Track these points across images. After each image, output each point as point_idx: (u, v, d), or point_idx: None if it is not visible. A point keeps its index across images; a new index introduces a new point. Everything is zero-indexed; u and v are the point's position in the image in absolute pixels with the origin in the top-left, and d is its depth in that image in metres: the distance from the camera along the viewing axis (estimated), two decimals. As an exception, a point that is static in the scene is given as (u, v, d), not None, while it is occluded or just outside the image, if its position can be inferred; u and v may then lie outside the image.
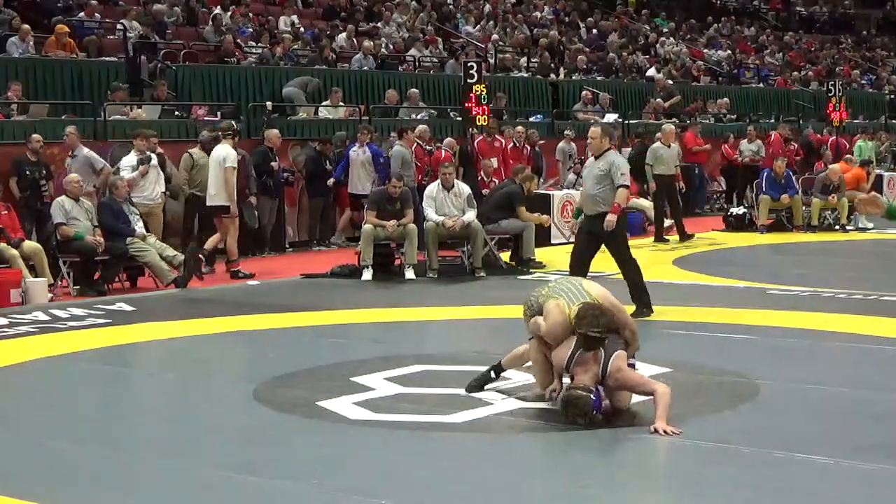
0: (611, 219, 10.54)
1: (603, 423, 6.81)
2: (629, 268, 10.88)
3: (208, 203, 14.46)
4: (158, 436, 7.14)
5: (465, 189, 14.64)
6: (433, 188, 14.48)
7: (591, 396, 6.75)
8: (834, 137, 25.46)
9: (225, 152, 14.17)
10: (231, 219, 14.30)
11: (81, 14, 20.03)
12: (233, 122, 15.59)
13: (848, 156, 22.57)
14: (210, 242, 14.40)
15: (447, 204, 14.25)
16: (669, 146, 18.37)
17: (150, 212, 14.37)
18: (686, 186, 19.44)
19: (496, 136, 19.11)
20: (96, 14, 20.15)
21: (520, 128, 19.71)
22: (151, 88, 18.85)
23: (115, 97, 16.99)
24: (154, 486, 5.98)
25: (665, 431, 6.57)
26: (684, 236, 18.06)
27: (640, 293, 10.73)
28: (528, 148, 19.46)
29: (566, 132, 21.36)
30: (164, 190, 14.85)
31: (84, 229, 13.16)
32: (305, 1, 25.70)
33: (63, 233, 13.09)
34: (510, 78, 24.50)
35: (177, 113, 18.01)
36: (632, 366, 7.13)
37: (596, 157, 10.78)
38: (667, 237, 18.09)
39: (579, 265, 10.73)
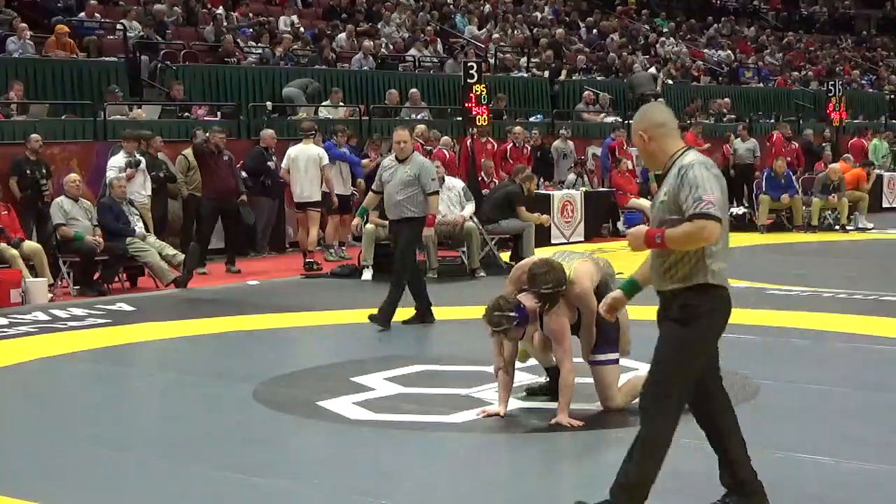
0: (428, 233, 10.43)
1: (602, 423, 6.81)
2: (397, 277, 10.49)
3: (300, 200, 15.20)
4: (158, 436, 7.14)
5: (457, 183, 14.70)
6: None
7: (520, 306, 6.89)
8: (856, 138, 25.61)
9: (318, 151, 15.22)
10: (318, 212, 15.23)
11: (81, 14, 20.03)
12: (314, 123, 16.25)
13: (847, 155, 22.55)
14: (311, 242, 15.19)
15: (441, 200, 14.26)
16: None
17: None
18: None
19: (488, 137, 19.08)
20: (96, 14, 20.15)
21: (518, 128, 19.69)
22: (151, 88, 18.87)
23: (109, 99, 17.01)
24: (154, 486, 5.98)
25: (569, 424, 6.69)
26: None
27: (386, 301, 10.43)
28: (528, 148, 19.46)
29: (561, 131, 21.36)
30: (149, 193, 14.81)
31: (84, 229, 13.16)
32: (305, 1, 25.70)
33: (62, 233, 13.09)
34: (510, 78, 24.51)
35: (186, 114, 18.02)
36: (615, 361, 7.15)
37: (401, 161, 10.46)
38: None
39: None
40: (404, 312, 10.61)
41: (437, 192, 10.59)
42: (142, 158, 14.65)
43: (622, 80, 27.19)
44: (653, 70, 27.83)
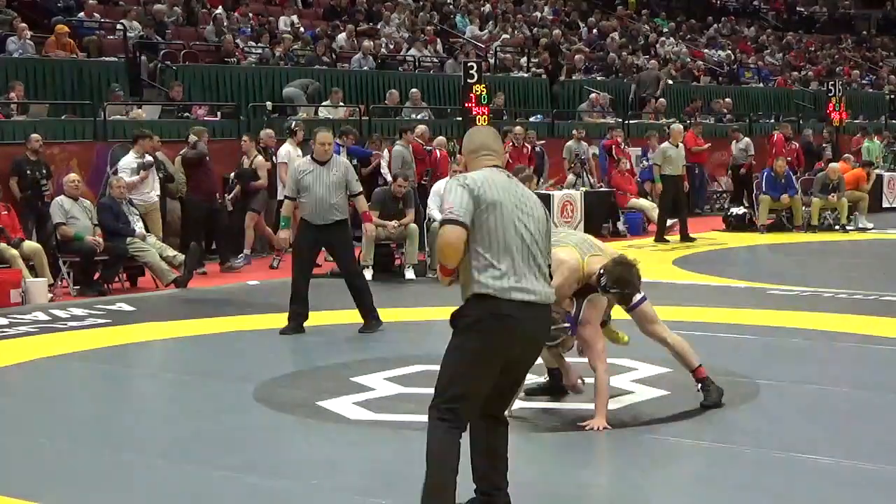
0: (372, 228, 10.49)
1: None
2: (359, 278, 10.46)
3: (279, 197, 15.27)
4: (158, 436, 7.14)
5: None
6: (441, 185, 14.46)
7: (568, 315, 6.93)
8: (859, 136, 25.67)
9: (281, 150, 15.53)
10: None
11: (81, 14, 20.03)
12: (291, 123, 16.34)
13: (847, 155, 22.54)
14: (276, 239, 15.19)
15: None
16: (677, 146, 18.24)
17: (148, 212, 14.40)
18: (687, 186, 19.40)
19: None
20: (96, 14, 20.15)
21: (518, 128, 19.65)
22: (152, 88, 18.86)
23: (112, 98, 17.04)
24: (154, 486, 5.98)
25: (602, 428, 6.70)
26: (686, 238, 17.99)
27: (367, 307, 10.36)
28: (529, 148, 19.43)
29: (574, 131, 21.33)
30: (158, 193, 14.83)
31: (84, 229, 13.15)
32: (305, 1, 25.70)
33: (63, 233, 13.08)
34: (510, 78, 24.50)
35: (186, 114, 18.01)
36: (645, 298, 7.20)
37: (322, 163, 10.18)
38: (667, 237, 18.06)
39: (304, 277, 10.39)
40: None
41: (361, 192, 10.57)
42: (152, 160, 14.64)
43: (622, 79, 27.19)
44: (658, 72, 27.83)
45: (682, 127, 19.64)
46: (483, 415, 5.15)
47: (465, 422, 5.00)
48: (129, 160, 14.47)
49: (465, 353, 4.93)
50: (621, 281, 6.77)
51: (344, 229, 10.33)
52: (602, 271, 6.80)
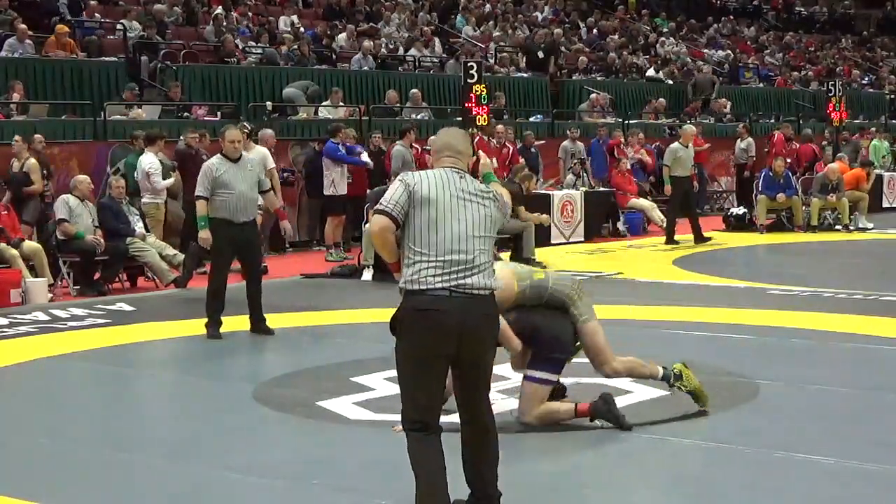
0: (288, 226, 11.06)
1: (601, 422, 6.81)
2: (260, 282, 10.45)
3: None
4: (158, 436, 7.14)
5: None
6: None
7: None
8: (856, 135, 25.69)
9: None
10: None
11: (81, 14, 20.04)
12: (245, 124, 15.96)
13: (841, 154, 22.54)
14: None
15: None
16: (687, 147, 18.08)
17: (158, 210, 14.54)
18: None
19: (489, 137, 19.02)
20: (96, 14, 20.16)
21: (499, 126, 19.43)
22: (152, 88, 18.87)
23: (128, 97, 17.09)
24: (154, 486, 5.99)
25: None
26: (700, 237, 17.60)
27: (259, 313, 10.41)
28: (511, 148, 19.28)
29: (568, 131, 21.30)
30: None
31: (86, 228, 13.15)
32: (305, 1, 25.71)
33: (65, 230, 13.06)
34: (510, 78, 24.51)
35: (186, 114, 18.02)
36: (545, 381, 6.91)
37: (235, 161, 10.14)
38: (676, 238, 17.93)
39: (226, 278, 10.39)
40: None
41: (271, 188, 10.83)
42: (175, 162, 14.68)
43: (622, 79, 27.21)
44: (712, 75, 27.87)
45: (693, 128, 19.51)
46: (465, 421, 5.11)
47: (434, 424, 4.96)
48: (155, 162, 14.37)
49: (401, 359, 4.96)
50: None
51: (256, 228, 10.54)
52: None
